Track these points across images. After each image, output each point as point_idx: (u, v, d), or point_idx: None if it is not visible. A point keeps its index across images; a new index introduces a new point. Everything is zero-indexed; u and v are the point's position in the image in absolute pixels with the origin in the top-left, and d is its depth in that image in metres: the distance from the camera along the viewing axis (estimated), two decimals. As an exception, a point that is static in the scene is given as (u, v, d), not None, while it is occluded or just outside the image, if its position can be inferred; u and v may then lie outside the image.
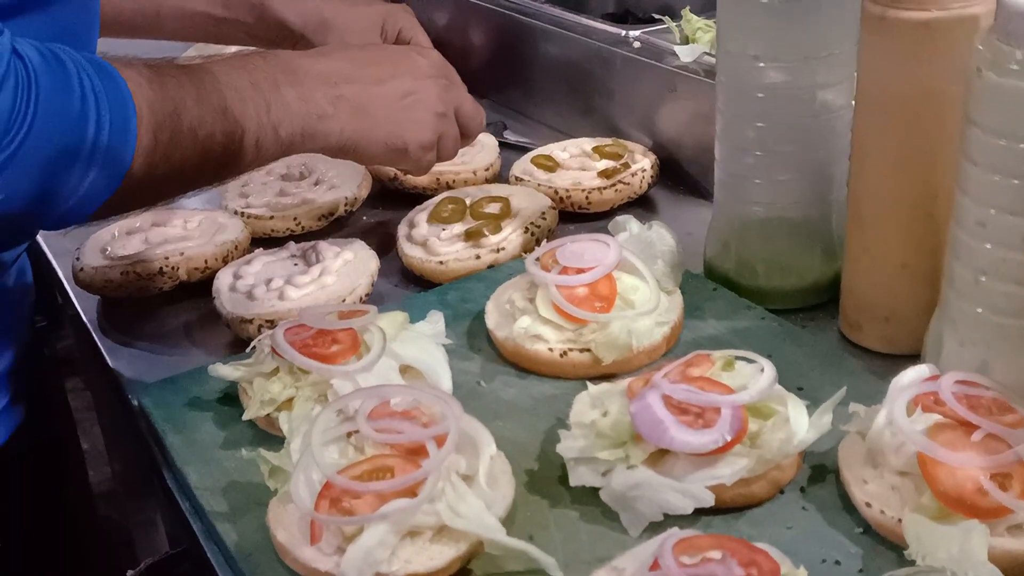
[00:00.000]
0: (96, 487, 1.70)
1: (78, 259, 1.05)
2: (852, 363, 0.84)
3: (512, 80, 1.47)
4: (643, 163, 1.16)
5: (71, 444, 1.52)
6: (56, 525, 1.42)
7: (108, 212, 0.75)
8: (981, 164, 0.70)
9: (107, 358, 0.97)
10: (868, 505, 0.67)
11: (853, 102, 0.84)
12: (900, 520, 0.64)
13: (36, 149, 0.67)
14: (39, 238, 1.19)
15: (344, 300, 0.95)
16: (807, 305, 0.94)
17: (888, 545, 0.66)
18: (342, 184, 1.18)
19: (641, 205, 1.16)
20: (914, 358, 0.80)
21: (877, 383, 0.78)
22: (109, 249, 1.06)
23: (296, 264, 1.01)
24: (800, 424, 0.71)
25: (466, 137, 0.99)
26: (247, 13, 1.11)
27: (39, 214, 0.71)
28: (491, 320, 0.90)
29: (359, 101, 0.87)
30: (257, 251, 1.04)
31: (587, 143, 1.21)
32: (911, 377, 0.72)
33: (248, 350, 0.85)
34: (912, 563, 0.61)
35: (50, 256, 1.16)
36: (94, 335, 1.01)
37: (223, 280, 0.99)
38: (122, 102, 0.71)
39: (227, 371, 0.82)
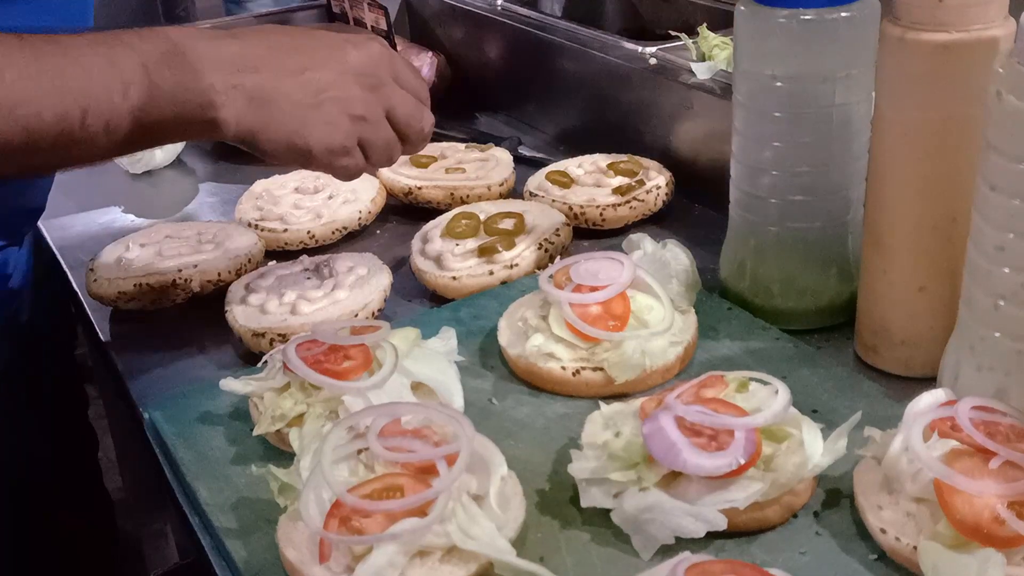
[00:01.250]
0: (109, 496, 1.70)
1: (92, 270, 1.06)
2: (868, 386, 0.83)
3: (528, 95, 1.47)
4: (658, 180, 1.16)
5: (91, 453, 1.52)
6: (64, 534, 1.42)
7: None
8: (1000, 189, 0.69)
9: (119, 370, 0.97)
10: (883, 531, 0.66)
11: (871, 124, 0.84)
12: (915, 548, 0.63)
13: None
14: (55, 249, 1.20)
15: (357, 315, 0.95)
16: (822, 326, 0.93)
17: (903, 573, 0.65)
18: (356, 198, 1.18)
19: (656, 222, 1.16)
20: (931, 381, 0.79)
21: (893, 407, 0.77)
22: (123, 261, 1.06)
23: (309, 278, 1.01)
24: (815, 448, 0.70)
25: (407, 143, 0.88)
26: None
27: None
28: (504, 338, 0.89)
29: (261, 92, 0.78)
30: (270, 264, 1.04)
31: (602, 159, 1.21)
32: (927, 402, 0.71)
33: (260, 364, 0.85)
34: (927, 592, 0.61)
35: (64, 267, 1.16)
36: (107, 347, 1.01)
37: (236, 293, 0.99)
38: None
39: (238, 386, 0.82)
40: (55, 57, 0.72)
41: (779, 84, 0.87)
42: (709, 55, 1.22)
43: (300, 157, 0.82)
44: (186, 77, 0.75)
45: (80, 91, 0.72)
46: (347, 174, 0.86)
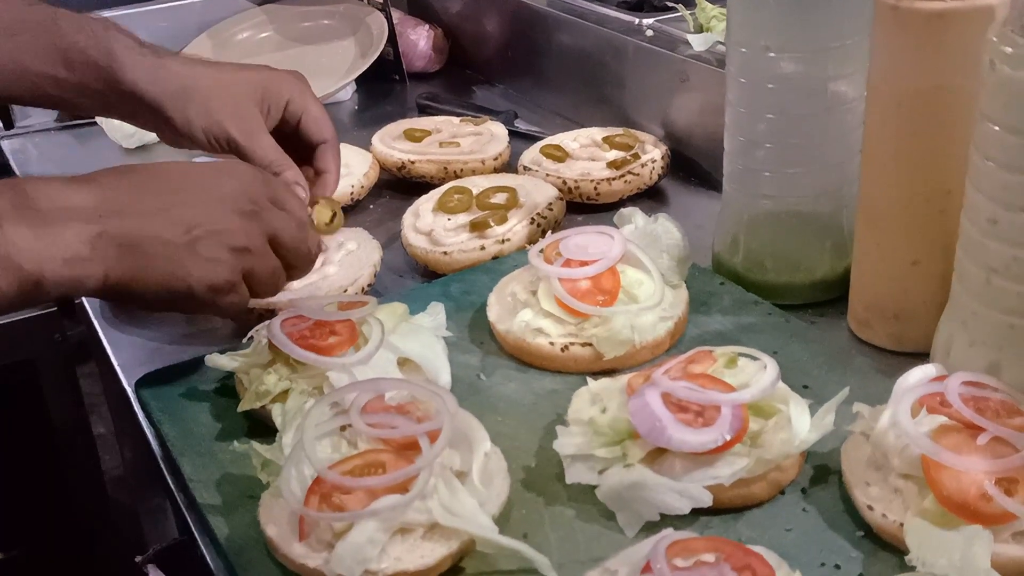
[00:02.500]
0: (108, 472, 1.70)
1: (82, 246, 1.05)
2: (860, 361, 0.82)
3: (524, 68, 1.46)
4: (653, 154, 1.14)
5: (81, 430, 1.52)
6: (66, 510, 1.43)
7: None
8: (994, 160, 0.68)
9: (107, 346, 0.96)
10: (870, 508, 0.65)
11: (865, 95, 0.82)
12: (902, 524, 0.63)
13: None
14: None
15: (346, 290, 0.94)
16: (816, 301, 0.92)
17: (890, 550, 0.65)
18: (349, 172, 1.17)
19: (651, 196, 1.15)
20: (924, 356, 0.78)
21: (885, 382, 0.76)
22: (113, 236, 1.05)
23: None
24: (802, 424, 0.69)
25: (293, 269, 0.80)
26: (93, 77, 0.88)
27: None
28: (493, 313, 0.88)
29: (128, 237, 0.70)
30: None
31: (598, 133, 1.20)
32: (917, 377, 0.70)
33: (246, 340, 0.84)
34: (913, 569, 0.60)
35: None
36: (95, 323, 1.00)
37: (225, 269, 0.98)
38: None
39: (224, 361, 0.82)
40: None
41: (772, 55, 0.85)
42: (707, 26, 1.20)
43: (180, 300, 0.74)
44: (44, 231, 0.67)
45: None
46: (233, 311, 0.78)
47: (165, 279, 0.72)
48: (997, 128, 0.67)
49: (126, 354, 0.95)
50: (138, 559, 1.05)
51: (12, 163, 1.37)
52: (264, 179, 0.80)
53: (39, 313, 1.48)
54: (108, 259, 0.70)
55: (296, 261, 0.80)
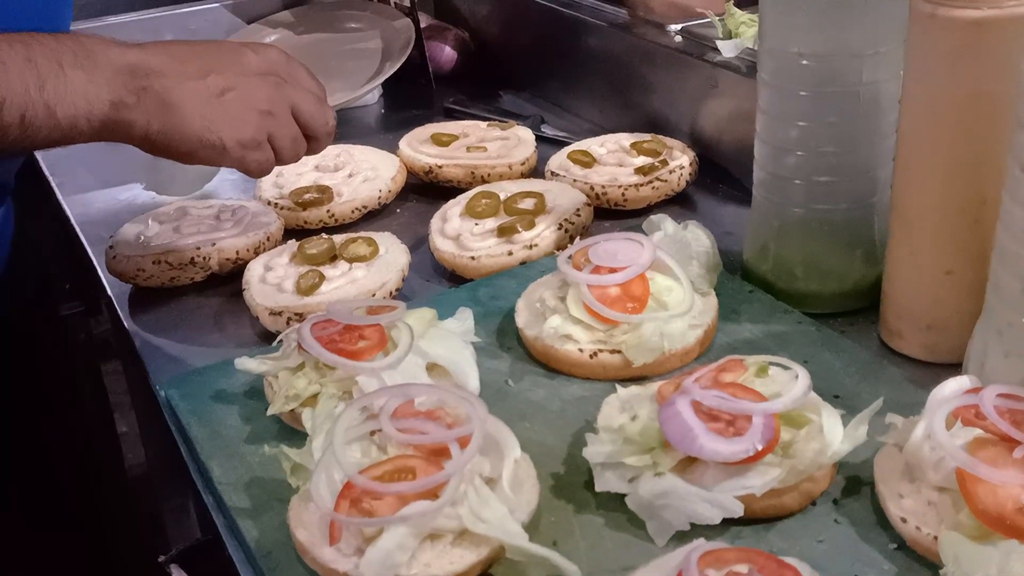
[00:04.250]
0: (131, 471, 1.71)
1: (111, 247, 1.05)
2: (891, 372, 0.81)
3: (551, 73, 1.45)
4: (682, 160, 1.14)
5: (104, 428, 1.53)
6: (89, 507, 1.43)
7: None
8: (1031, 170, 0.67)
9: (136, 347, 0.96)
10: (903, 521, 0.65)
11: (899, 102, 0.82)
12: (936, 538, 0.62)
13: None
14: (74, 223, 1.20)
15: (374, 294, 0.94)
16: (846, 310, 0.91)
17: (923, 563, 0.64)
18: (377, 176, 1.17)
19: (679, 203, 1.14)
20: (956, 367, 0.78)
21: (917, 393, 0.76)
22: (142, 238, 1.06)
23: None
24: (834, 434, 0.69)
25: (313, 140, 0.92)
26: None
27: None
28: (521, 319, 0.88)
29: (169, 95, 0.82)
30: (289, 243, 1.03)
31: (625, 139, 1.19)
32: (951, 389, 0.69)
33: (275, 343, 0.85)
34: (948, 583, 0.59)
35: (85, 243, 1.16)
36: (125, 324, 1.01)
37: (254, 271, 0.99)
38: None
39: (253, 365, 0.82)
40: None
41: (805, 62, 0.85)
42: (736, 32, 1.19)
43: (213, 152, 0.85)
44: (95, 76, 0.79)
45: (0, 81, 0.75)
46: (259, 169, 0.88)
47: (200, 132, 0.84)
48: (1035, 137, 0.66)
49: (154, 356, 0.95)
50: (161, 559, 1.06)
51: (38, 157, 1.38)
52: (287, 59, 0.91)
53: (65, 313, 1.49)
54: (150, 111, 0.81)
55: (315, 131, 0.91)
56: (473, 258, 1.00)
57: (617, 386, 0.77)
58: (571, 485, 0.72)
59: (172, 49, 0.86)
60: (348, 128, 1.37)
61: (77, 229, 1.19)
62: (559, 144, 1.26)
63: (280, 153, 0.89)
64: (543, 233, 1.02)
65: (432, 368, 0.81)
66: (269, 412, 0.78)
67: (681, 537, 0.66)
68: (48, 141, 0.80)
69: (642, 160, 1.14)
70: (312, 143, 0.92)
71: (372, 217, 1.16)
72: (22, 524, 1.34)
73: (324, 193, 1.13)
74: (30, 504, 1.36)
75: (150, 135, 0.82)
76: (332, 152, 1.20)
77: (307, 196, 1.12)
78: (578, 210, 1.06)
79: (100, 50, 0.80)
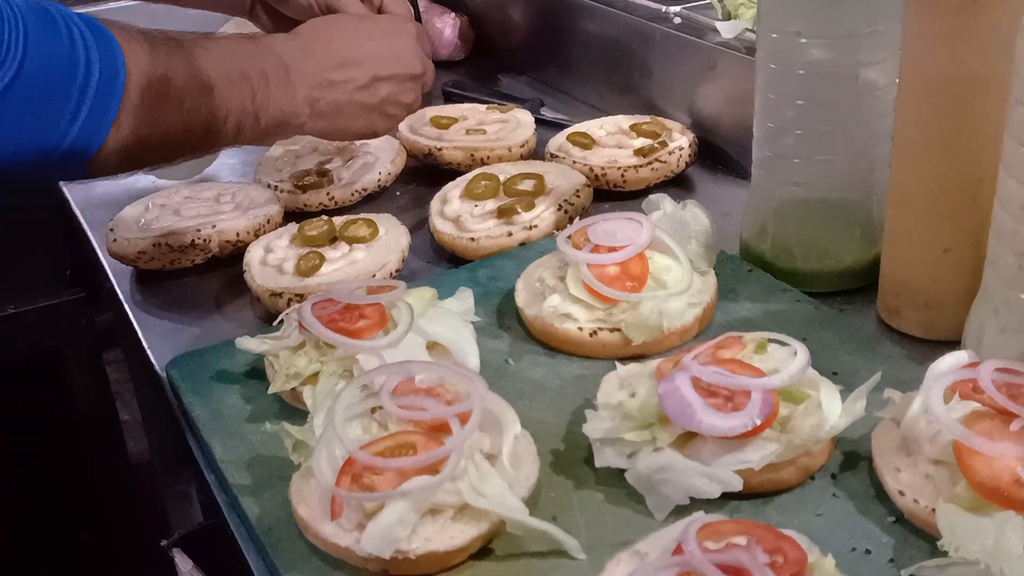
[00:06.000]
0: (133, 458, 1.72)
1: (112, 230, 1.06)
2: (889, 348, 0.82)
3: (550, 56, 1.45)
4: (681, 141, 1.14)
5: (107, 416, 1.53)
6: (91, 495, 1.44)
7: (101, 170, 0.77)
8: (1028, 145, 0.67)
9: (138, 329, 0.97)
10: (901, 493, 0.65)
11: (897, 81, 0.82)
12: (934, 510, 0.62)
13: (28, 85, 0.68)
14: (75, 209, 1.20)
15: (374, 275, 0.95)
16: (844, 289, 0.91)
17: (920, 535, 0.64)
18: (376, 159, 1.17)
19: (678, 184, 1.14)
20: (954, 344, 0.78)
21: (915, 369, 0.76)
22: (143, 221, 1.06)
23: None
24: (832, 409, 0.69)
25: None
26: None
27: (35, 153, 0.72)
28: (521, 298, 0.89)
29: (336, 106, 0.94)
30: (289, 225, 1.04)
31: (625, 120, 1.20)
32: (949, 363, 0.69)
33: (276, 323, 0.85)
34: (945, 554, 0.60)
35: (86, 227, 1.17)
36: (126, 306, 1.01)
37: (254, 254, 0.99)
38: (111, 54, 0.74)
39: (254, 344, 0.82)
40: (204, 59, 0.82)
41: (803, 41, 0.85)
42: (735, 13, 1.19)
43: (366, 139, 1.06)
44: (288, 90, 0.90)
45: (226, 94, 0.84)
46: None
47: (360, 131, 0.99)
48: (1032, 113, 0.67)
49: (155, 338, 0.95)
50: (163, 543, 1.06)
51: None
52: (419, 32, 1.03)
53: (65, 300, 1.49)
54: (316, 119, 0.93)
55: (426, 89, 1.04)
56: (473, 239, 1.00)
57: (616, 364, 0.77)
58: (571, 461, 0.73)
59: (340, 54, 0.95)
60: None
61: (78, 213, 1.19)
62: (558, 127, 1.26)
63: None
64: (542, 214, 1.02)
65: (432, 347, 0.81)
66: (270, 391, 0.79)
67: (680, 511, 0.67)
68: (244, 143, 0.89)
69: (641, 142, 1.14)
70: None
71: (372, 200, 1.16)
72: (25, 513, 1.35)
73: (324, 176, 1.13)
74: (33, 493, 1.37)
75: (309, 132, 0.94)
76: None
77: (307, 179, 1.13)
78: (577, 191, 1.06)
79: (292, 64, 0.90)
